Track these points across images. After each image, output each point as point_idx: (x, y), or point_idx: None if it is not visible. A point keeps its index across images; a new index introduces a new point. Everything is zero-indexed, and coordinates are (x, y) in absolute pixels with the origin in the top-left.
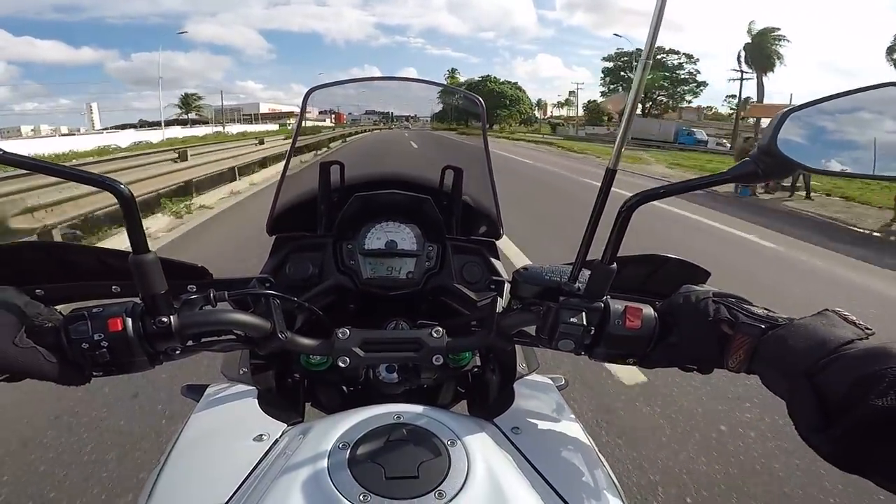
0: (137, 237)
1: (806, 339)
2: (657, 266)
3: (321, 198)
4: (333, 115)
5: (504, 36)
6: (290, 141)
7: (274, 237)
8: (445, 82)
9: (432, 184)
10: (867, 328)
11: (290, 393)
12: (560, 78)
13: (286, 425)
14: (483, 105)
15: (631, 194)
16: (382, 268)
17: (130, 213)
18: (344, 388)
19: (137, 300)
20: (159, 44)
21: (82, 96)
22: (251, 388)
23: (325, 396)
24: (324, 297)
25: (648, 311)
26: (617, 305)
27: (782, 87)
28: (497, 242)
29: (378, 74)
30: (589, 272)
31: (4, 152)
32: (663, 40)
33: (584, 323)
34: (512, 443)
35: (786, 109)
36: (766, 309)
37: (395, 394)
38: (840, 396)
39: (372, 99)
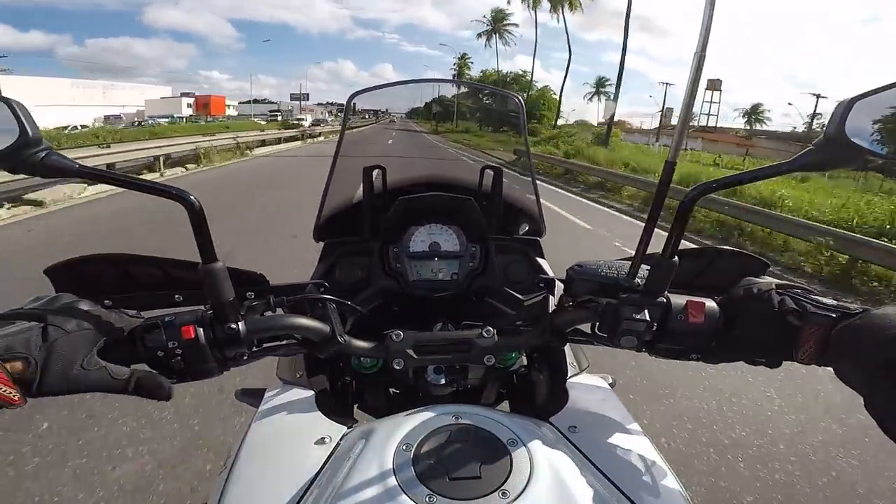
0: (207, 246)
1: (885, 329)
2: (711, 259)
3: (365, 202)
4: (193, 100)
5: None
6: None
7: (322, 243)
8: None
9: (472, 184)
10: None
11: (340, 396)
12: (539, 82)
13: (346, 428)
14: (522, 104)
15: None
16: (427, 270)
17: (199, 223)
18: (390, 390)
19: (203, 308)
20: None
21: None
22: (308, 391)
23: (372, 399)
24: (371, 300)
25: (711, 304)
26: (678, 300)
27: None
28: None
29: (352, 68)
30: (647, 267)
31: (81, 167)
32: (641, 45)
33: (648, 319)
34: (570, 442)
35: (853, 96)
36: (835, 299)
37: (441, 395)
38: None
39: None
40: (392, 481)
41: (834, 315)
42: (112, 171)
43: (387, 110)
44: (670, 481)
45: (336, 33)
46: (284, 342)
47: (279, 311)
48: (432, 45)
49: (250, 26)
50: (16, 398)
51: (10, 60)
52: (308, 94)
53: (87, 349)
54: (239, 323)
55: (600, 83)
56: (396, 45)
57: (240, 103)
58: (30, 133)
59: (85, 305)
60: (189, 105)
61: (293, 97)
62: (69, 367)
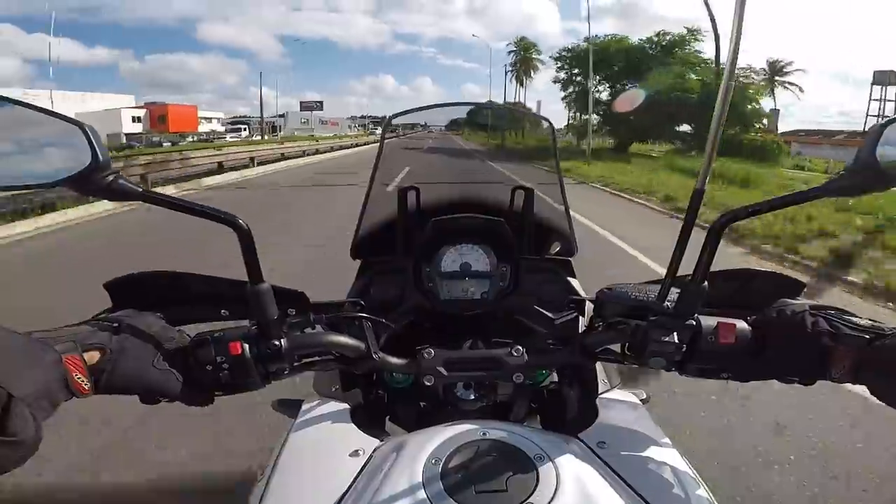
0: (254, 268)
1: None
2: (746, 280)
3: (400, 223)
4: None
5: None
6: None
7: (359, 261)
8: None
9: (503, 205)
10: None
11: (373, 409)
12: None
13: (378, 441)
14: (553, 125)
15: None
16: (458, 289)
17: (248, 246)
18: (421, 404)
19: (248, 324)
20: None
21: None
22: (344, 405)
23: (404, 413)
24: (405, 318)
25: (742, 325)
26: (709, 322)
27: None
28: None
29: (392, 83)
30: (677, 290)
31: (144, 191)
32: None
33: (676, 341)
34: (599, 458)
35: (884, 121)
36: (870, 319)
37: (470, 410)
38: None
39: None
40: (421, 494)
41: (867, 336)
42: (170, 196)
43: (425, 123)
44: (703, 498)
45: (376, 48)
46: (322, 358)
47: (318, 328)
48: (469, 57)
49: (295, 42)
50: (86, 387)
51: (76, 76)
52: (321, 103)
53: (153, 354)
54: (281, 339)
55: (776, 69)
56: (434, 58)
57: (228, 117)
58: (101, 158)
59: (148, 317)
60: (136, 119)
61: (304, 106)
62: (141, 364)
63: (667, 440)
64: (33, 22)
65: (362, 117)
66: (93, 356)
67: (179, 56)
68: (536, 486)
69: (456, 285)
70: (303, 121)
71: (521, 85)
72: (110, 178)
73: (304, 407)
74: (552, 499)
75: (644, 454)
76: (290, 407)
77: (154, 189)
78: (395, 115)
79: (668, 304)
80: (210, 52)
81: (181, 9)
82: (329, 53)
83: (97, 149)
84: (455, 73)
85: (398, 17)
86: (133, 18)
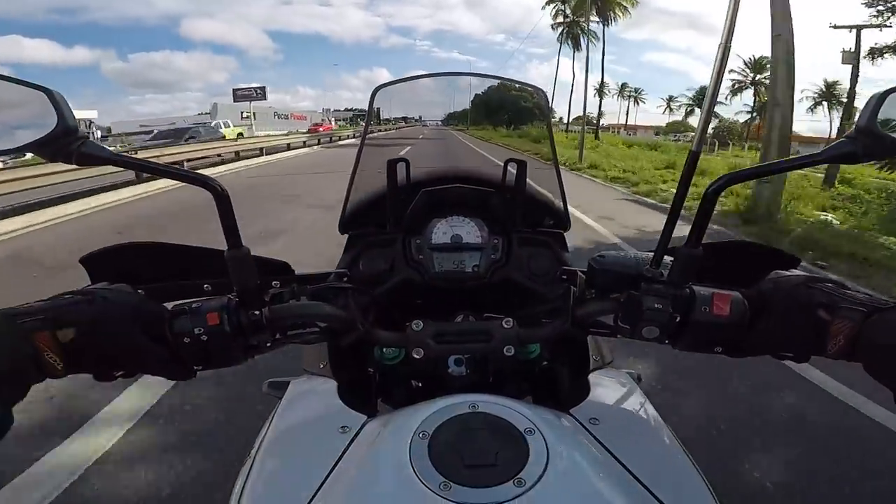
0: (232, 232)
1: None
2: (740, 252)
3: (389, 195)
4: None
5: (517, 39)
6: None
7: (347, 235)
8: None
9: (496, 177)
10: None
11: (364, 387)
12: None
13: (367, 417)
14: (546, 96)
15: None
16: (449, 262)
17: (225, 209)
18: (413, 382)
19: (230, 296)
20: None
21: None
22: (332, 381)
23: (395, 390)
24: (394, 292)
25: (737, 297)
26: (703, 291)
27: None
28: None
29: (387, 76)
30: (671, 259)
31: (113, 154)
32: (688, 45)
33: (670, 309)
34: (590, 433)
35: (887, 89)
36: (867, 294)
37: (462, 387)
38: None
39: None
40: (407, 468)
41: (864, 310)
42: (141, 159)
43: (420, 117)
44: (693, 475)
45: (370, 41)
46: (308, 330)
47: (303, 299)
48: (465, 50)
49: (286, 37)
50: (59, 367)
51: (56, 76)
52: (264, 89)
53: (129, 328)
54: (263, 310)
55: None
56: (428, 51)
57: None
58: (68, 122)
59: (124, 289)
60: None
61: (239, 95)
62: (117, 339)
63: (659, 418)
64: (9, 25)
65: (347, 110)
66: (65, 333)
67: (164, 54)
68: (527, 460)
69: (447, 258)
70: (244, 115)
71: (578, 48)
72: (78, 142)
73: (292, 385)
74: (542, 473)
75: (636, 432)
76: (280, 387)
77: None
78: (381, 87)
79: (662, 272)
80: (196, 49)
81: (165, 6)
82: (320, 48)
83: (64, 114)
84: (450, 67)
85: (392, 9)
86: (116, 17)
